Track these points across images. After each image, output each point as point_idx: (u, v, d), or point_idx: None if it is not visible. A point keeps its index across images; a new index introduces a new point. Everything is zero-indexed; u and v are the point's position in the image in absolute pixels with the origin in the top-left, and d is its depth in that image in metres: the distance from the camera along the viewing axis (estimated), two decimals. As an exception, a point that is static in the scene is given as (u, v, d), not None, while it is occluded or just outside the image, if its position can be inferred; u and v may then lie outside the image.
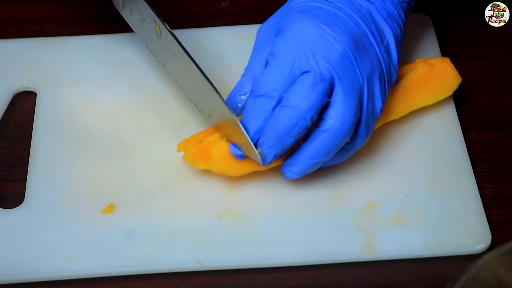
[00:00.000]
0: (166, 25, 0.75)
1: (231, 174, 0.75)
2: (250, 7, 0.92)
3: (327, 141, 0.70)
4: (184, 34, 0.88)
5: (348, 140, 0.71)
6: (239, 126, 0.71)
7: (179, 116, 0.82)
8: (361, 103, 0.71)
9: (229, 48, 0.86)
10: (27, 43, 0.88)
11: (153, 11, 0.76)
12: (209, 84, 0.73)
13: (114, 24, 0.90)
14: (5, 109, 0.83)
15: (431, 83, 0.79)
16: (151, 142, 0.80)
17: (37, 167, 0.78)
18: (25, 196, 0.76)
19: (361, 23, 0.72)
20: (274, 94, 0.70)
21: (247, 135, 0.71)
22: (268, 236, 0.73)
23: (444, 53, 0.86)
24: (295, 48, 0.69)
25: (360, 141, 0.72)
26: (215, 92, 0.72)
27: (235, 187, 0.76)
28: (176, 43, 0.74)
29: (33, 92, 0.84)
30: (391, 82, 0.74)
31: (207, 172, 0.76)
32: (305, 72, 0.69)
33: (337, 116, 0.69)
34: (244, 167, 0.74)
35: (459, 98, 0.82)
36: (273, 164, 0.74)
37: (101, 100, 0.83)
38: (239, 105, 0.75)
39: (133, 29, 0.81)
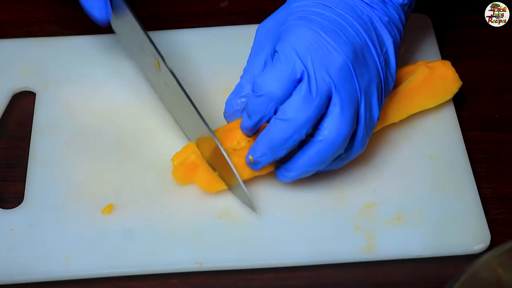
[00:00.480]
0: (166, 61, 0.75)
1: (212, 190, 0.75)
2: (249, 7, 0.92)
3: (321, 151, 0.70)
4: (183, 34, 0.88)
5: (342, 151, 0.71)
6: (234, 172, 0.72)
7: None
8: (358, 114, 0.70)
9: (228, 48, 0.86)
10: (26, 43, 0.88)
11: (153, 44, 0.76)
12: (205, 126, 0.73)
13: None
14: (4, 109, 0.83)
15: (431, 86, 0.79)
16: (150, 142, 0.80)
17: (36, 167, 0.78)
18: (25, 196, 0.76)
19: (362, 31, 0.71)
20: (273, 96, 0.69)
21: (241, 181, 0.72)
22: (268, 236, 0.73)
23: (444, 53, 0.86)
24: (295, 55, 0.69)
25: (356, 150, 0.72)
26: (212, 134, 0.72)
27: (234, 187, 0.76)
28: (175, 81, 0.75)
29: (32, 92, 0.84)
30: (387, 90, 0.73)
31: (207, 172, 0.76)
32: (302, 80, 0.69)
33: (333, 128, 0.69)
34: (222, 184, 0.75)
35: (459, 98, 0.82)
36: (264, 171, 0.74)
37: (100, 100, 0.83)
38: (238, 107, 0.74)
39: (132, 58, 0.81)
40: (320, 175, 0.76)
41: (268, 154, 0.70)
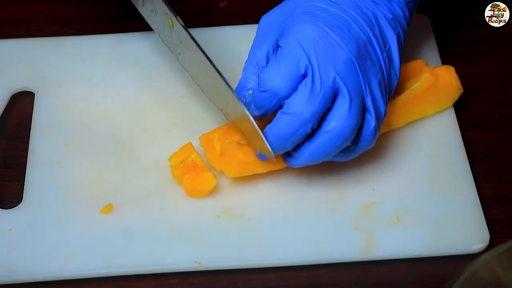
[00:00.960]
0: (179, 18, 0.75)
1: (201, 194, 0.75)
2: (248, 7, 0.92)
3: (328, 142, 0.70)
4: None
5: (349, 143, 0.71)
6: (250, 119, 0.71)
7: (178, 116, 0.82)
8: (364, 107, 0.70)
9: (227, 48, 0.86)
10: (25, 43, 0.88)
11: (166, 4, 0.76)
12: (221, 78, 0.72)
13: (112, 24, 0.90)
14: (3, 109, 0.83)
15: (434, 95, 0.79)
16: (150, 142, 0.80)
17: (35, 167, 0.78)
18: (24, 196, 0.76)
19: (366, 27, 0.71)
20: (277, 92, 0.69)
21: (257, 127, 0.71)
22: (267, 236, 0.73)
23: (443, 53, 0.86)
24: (300, 51, 0.69)
25: (365, 143, 0.72)
26: (227, 86, 0.72)
27: (233, 187, 0.76)
28: (188, 37, 0.74)
29: (31, 92, 0.84)
30: (391, 87, 0.74)
31: (206, 172, 0.76)
32: (307, 75, 0.69)
33: (341, 119, 0.69)
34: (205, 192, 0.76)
35: (458, 98, 0.82)
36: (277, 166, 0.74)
37: (99, 100, 0.83)
38: (246, 100, 0.74)
39: (146, 20, 0.80)
40: (319, 175, 0.76)
41: (274, 148, 0.70)
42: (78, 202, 0.76)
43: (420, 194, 0.75)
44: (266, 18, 0.75)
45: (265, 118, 0.72)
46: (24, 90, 0.84)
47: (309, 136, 0.70)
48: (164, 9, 0.76)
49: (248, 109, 0.72)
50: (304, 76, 0.69)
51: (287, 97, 0.69)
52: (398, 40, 0.73)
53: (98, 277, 0.72)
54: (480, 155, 0.79)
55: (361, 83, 0.70)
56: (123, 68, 0.85)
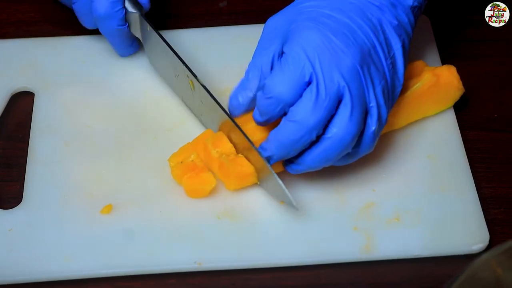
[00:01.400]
0: (198, 78, 0.76)
1: (201, 195, 0.76)
2: (248, 7, 0.92)
3: (329, 149, 0.70)
4: (182, 34, 0.88)
5: (350, 150, 0.71)
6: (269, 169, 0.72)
7: (178, 116, 0.82)
8: (366, 114, 0.70)
9: (227, 48, 0.86)
10: (25, 43, 0.88)
11: (185, 65, 0.77)
12: (245, 137, 0.73)
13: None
14: (3, 109, 0.83)
15: (435, 95, 0.79)
16: (150, 142, 0.80)
17: (35, 167, 0.78)
18: (23, 196, 0.76)
19: (371, 33, 0.71)
20: (281, 99, 0.70)
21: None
22: (267, 236, 0.73)
23: (443, 53, 0.86)
24: (304, 58, 0.69)
25: (364, 149, 0.72)
26: (251, 143, 0.73)
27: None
28: (209, 96, 0.75)
29: (31, 92, 0.84)
30: (394, 94, 0.74)
31: (205, 172, 0.76)
32: (311, 82, 0.69)
33: (342, 126, 0.69)
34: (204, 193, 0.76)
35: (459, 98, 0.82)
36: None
37: (99, 100, 0.83)
38: (243, 101, 0.75)
39: (169, 85, 0.82)
40: (318, 175, 0.76)
41: (277, 154, 0.71)
42: (78, 202, 0.76)
43: (420, 194, 0.75)
44: (271, 22, 0.75)
45: (268, 124, 0.72)
46: (23, 90, 0.84)
47: (312, 143, 0.70)
48: (185, 71, 0.77)
49: (238, 113, 0.74)
50: (309, 83, 0.69)
51: (291, 104, 0.69)
52: (403, 46, 0.73)
53: (97, 277, 0.72)
54: (480, 155, 0.79)
55: (364, 90, 0.70)
56: (122, 68, 0.85)
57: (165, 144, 0.79)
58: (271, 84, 0.70)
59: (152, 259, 0.72)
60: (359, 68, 0.69)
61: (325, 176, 0.76)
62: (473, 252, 0.72)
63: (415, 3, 0.75)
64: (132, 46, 0.84)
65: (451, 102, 0.80)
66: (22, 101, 0.84)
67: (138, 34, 0.82)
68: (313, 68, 0.69)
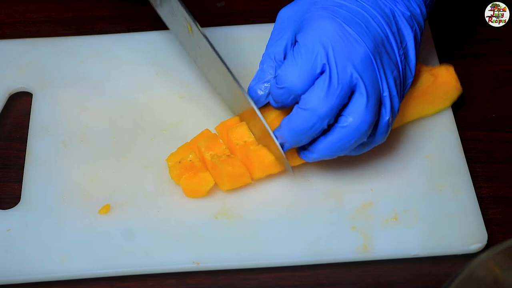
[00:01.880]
0: (198, 24, 0.75)
1: (199, 195, 0.76)
2: (245, 7, 0.92)
3: (344, 137, 0.70)
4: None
5: (365, 139, 0.71)
6: (264, 124, 0.72)
7: (175, 116, 0.82)
8: (380, 103, 0.71)
9: (224, 48, 0.86)
10: (22, 43, 0.88)
11: (185, 9, 0.76)
12: (237, 86, 0.73)
13: (109, 24, 0.90)
14: (1, 109, 0.83)
15: (433, 95, 0.79)
16: (148, 142, 0.80)
17: (33, 167, 0.78)
18: (21, 196, 0.76)
19: (383, 23, 0.71)
20: (293, 90, 0.70)
21: (270, 131, 0.71)
22: (264, 236, 0.73)
23: (442, 53, 0.86)
24: (317, 47, 0.69)
25: (379, 138, 0.72)
26: (244, 94, 0.73)
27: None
28: (207, 42, 0.75)
29: (29, 92, 0.84)
30: (406, 84, 0.74)
31: (203, 172, 0.76)
32: (324, 71, 0.69)
33: (358, 115, 0.69)
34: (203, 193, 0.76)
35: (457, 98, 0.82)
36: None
37: (97, 101, 0.83)
38: (262, 92, 0.75)
39: (163, 20, 0.80)
40: (316, 175, 0.76)
41: (290, 142, 0.71)
42: (76, 203, 0.76)
43: (418, 194, 0.75)
44: (284, 12, 0.75)
45: (284, 109, 0.73)
46: (21, 90, 0.84)
47: (325, 131, 0.71)
48: (183, 13, 0.76)
49: (267, 104, 0.73)
50: (321, 72, 0.69)
51: (303, 93, 0.70)
52: (415, 37, 0.73)
53: (95, 277, 0.72)
54: (477, 154, 0.79)
55: (378, 79, 0.70)
56: (120, 68, 0.85)
57: (162, 144, 0.79)
58: (283, 74, 0.70)
59: (150, 259, 0.72)
60: (372, 57, 0.70)
61: (323, 176, 0.76)
62: (471, 252, 0.72)
63: None
64: None
65: (449, 102, 0.81)
66: (20, 102, 0.84)
67: None
68: (327, 57, 0.69)
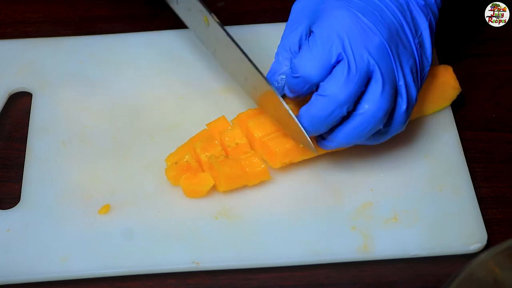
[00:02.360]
0: (214, 15, 0.75)
1: (199, 195, 0.76)
2: (245, 7, 0.92)
3: (361, 124, 0.70)
4: (181, 34, 0.88)
5: (381, 126, 0.71)
6: (288, 111, 0.71)
7: (175, 116, 0.82)
8: (396, 91, 0.71)
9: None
10: (22, 43, 0.88)
11: (200, 2, 0.76)
12: (258, 73, 0.73)
13: (109, 24, 0.90)
14: (0, 109, 0.83)
15: (432, 94, 0.79)
16: (147, 142, 0.80)
17: (33, 167, 0.78)
18: (21, 196, 0.76)
19: (398, 13, 0.72)
20: (309, 78, 0.70)
21: (294, 116, 0.71)
22: (264, 236, 0.73)
23: (442, 53, 0.86)
24: (333, 37, 0.69)
25: (396, 127, 0.72)
26: (265, 81, 0.73)
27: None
28: (224, 33, 0.75)
29: (28, 92, 0.84)
30: (423, 73, 0.74)
31: (203, 172, 0.76)
32: (342, 60, 0.69)
33: (374, 102, 0.69)
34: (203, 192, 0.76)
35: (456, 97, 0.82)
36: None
37: (96, 101, 0.83)
38: (278, 84, 0.75)
39: (181, 18, 0.80)
40: (316, 175, 0.76)
41: (309, 131, 0.71)
42: (75, 203, 0.76)
43: (418, 194, 0.75)
44: (298, 4, 0.75)
45: (299, 99, 0.73)
46: (21, 90, 0.84)
47: (343, 119, 0.71)
48: (199, 6, 0.76)
49: (283, 96, 0.73)
50: (337, 62, 0.69)
51: (318, 82, 0.70)
52: (430, 26, 0.74)
53: (95, 277, 0.72)
54: (477, 154, 0.79)
55: (394, 67, 0.70)
56: (120, 68, 0.85)
57: (162, 145, 0.79)
58: (299, 63, 0.70)
59: (150, 259, 0.72)
60: (387, 46, 0.70)
61: (322, 176, 0.76)
62: (471, 252, 0.72)
63: None
64: None
65: (448, 102, 0.81)
66: (20, 101, 0.84)
67: None
68: (343, 46, 0.69)
